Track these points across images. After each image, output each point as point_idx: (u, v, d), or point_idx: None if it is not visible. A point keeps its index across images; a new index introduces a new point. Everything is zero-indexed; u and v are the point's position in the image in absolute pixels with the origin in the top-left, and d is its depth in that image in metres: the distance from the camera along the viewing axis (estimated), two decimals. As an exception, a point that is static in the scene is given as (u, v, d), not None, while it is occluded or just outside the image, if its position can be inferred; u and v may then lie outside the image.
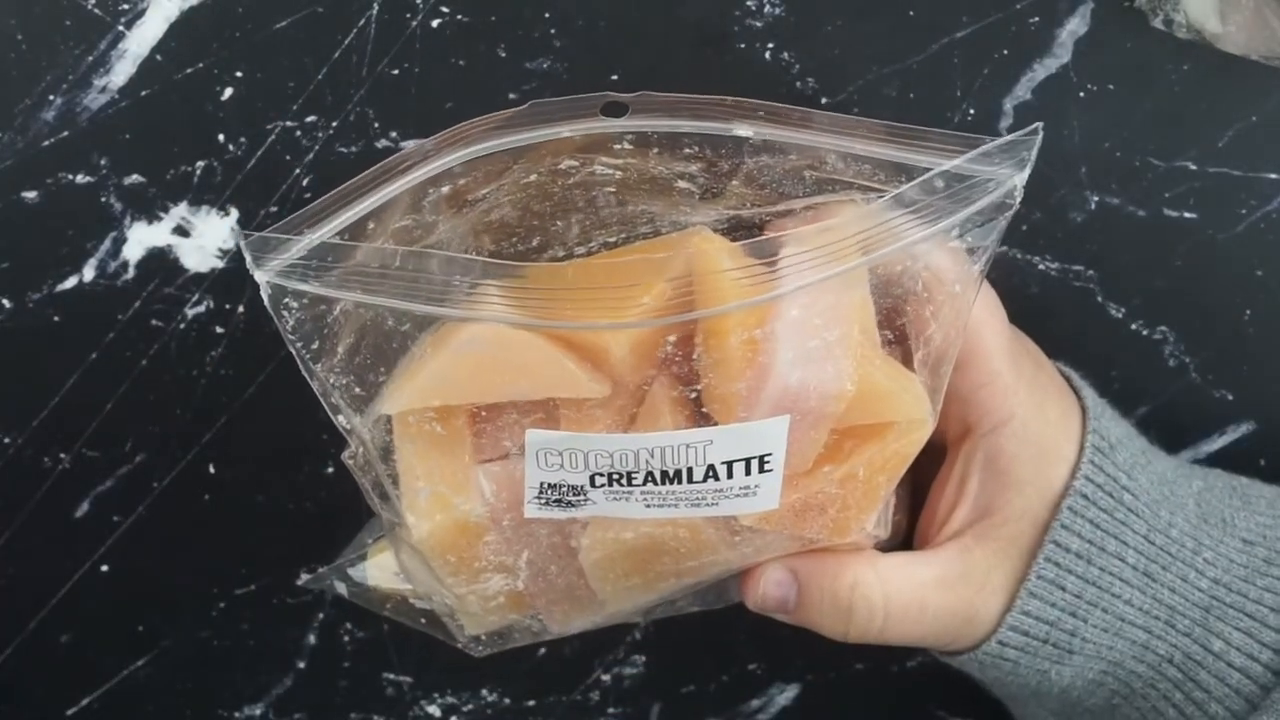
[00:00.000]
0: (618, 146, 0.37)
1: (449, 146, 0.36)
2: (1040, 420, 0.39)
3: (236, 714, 0.52)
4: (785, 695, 0.53)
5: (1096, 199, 0.46)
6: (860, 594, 0.38)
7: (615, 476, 0.35)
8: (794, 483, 0.36)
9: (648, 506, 0.36)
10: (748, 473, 0.35)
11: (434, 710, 0.52)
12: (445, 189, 0.37)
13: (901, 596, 0.38)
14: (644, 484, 0.35)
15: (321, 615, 0.51)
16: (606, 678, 0.52)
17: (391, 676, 0.52)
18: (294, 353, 0.36)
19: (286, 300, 0.35)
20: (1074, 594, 0.39)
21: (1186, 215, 0.46)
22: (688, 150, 0.37)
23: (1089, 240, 0.47)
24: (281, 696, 0.52)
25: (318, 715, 0.52)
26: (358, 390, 0.36)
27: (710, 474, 0.35)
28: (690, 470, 0.35)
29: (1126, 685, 0.41)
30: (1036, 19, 0.45)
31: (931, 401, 0.37)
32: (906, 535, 0.43)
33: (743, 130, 0.37)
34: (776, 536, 0.38)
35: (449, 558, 0.38)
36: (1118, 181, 0.46)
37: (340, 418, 0.37)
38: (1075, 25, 0.45)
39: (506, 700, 0.52)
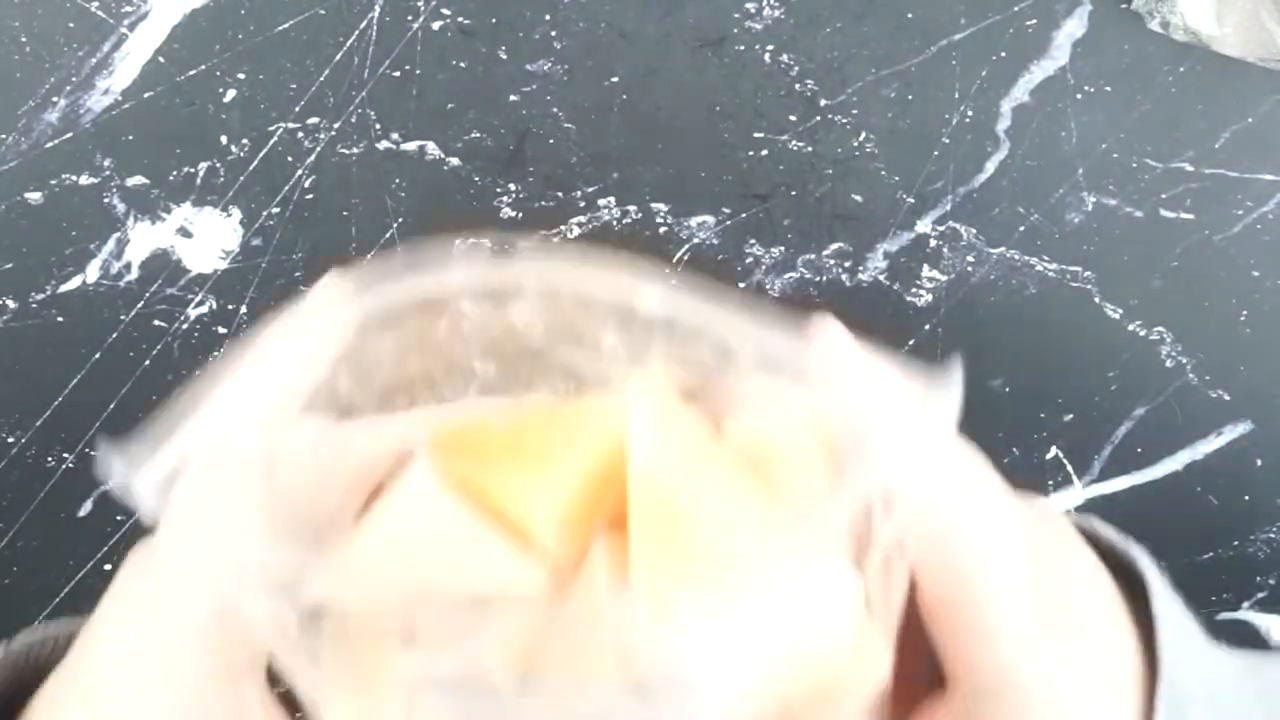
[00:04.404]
0: (524, 300, 0.32)
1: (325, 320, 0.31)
2: (1056, 686, 0.29)
3: (238, 713, 0.52)
4: (784, 694, 0.53)
5: (1094, 200, 0.46)
6: None
7: None
8: None
9: None
10: None
11: (435, 709, 0.52)
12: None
13: None
14: None
15: (323, 614, 0.51)
16: (606, 677, 0.52)
17: (392, 675, 0.52)
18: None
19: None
20: None
21: (1183, 216, 0.46)
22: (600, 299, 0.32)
23: (1086, 241, 0.47)
24: (281, 696, 0.52)
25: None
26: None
27: None
28: None
29: None
30: (1034, 21, 0.45)
31: (884, 636, 0.29)
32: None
33: (647, 302, 0.31)
34: None
35: None
36: (1115, 183, 0.46)
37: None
38: (1073, 27, 0.45)
39: (507, 699, 0.53)
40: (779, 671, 0.28)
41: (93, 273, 0.47)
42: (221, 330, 0.47)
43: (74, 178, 0.46)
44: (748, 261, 0.48)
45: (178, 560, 0.30)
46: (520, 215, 0.47)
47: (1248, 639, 0.52)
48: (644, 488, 0.29)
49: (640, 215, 0.47)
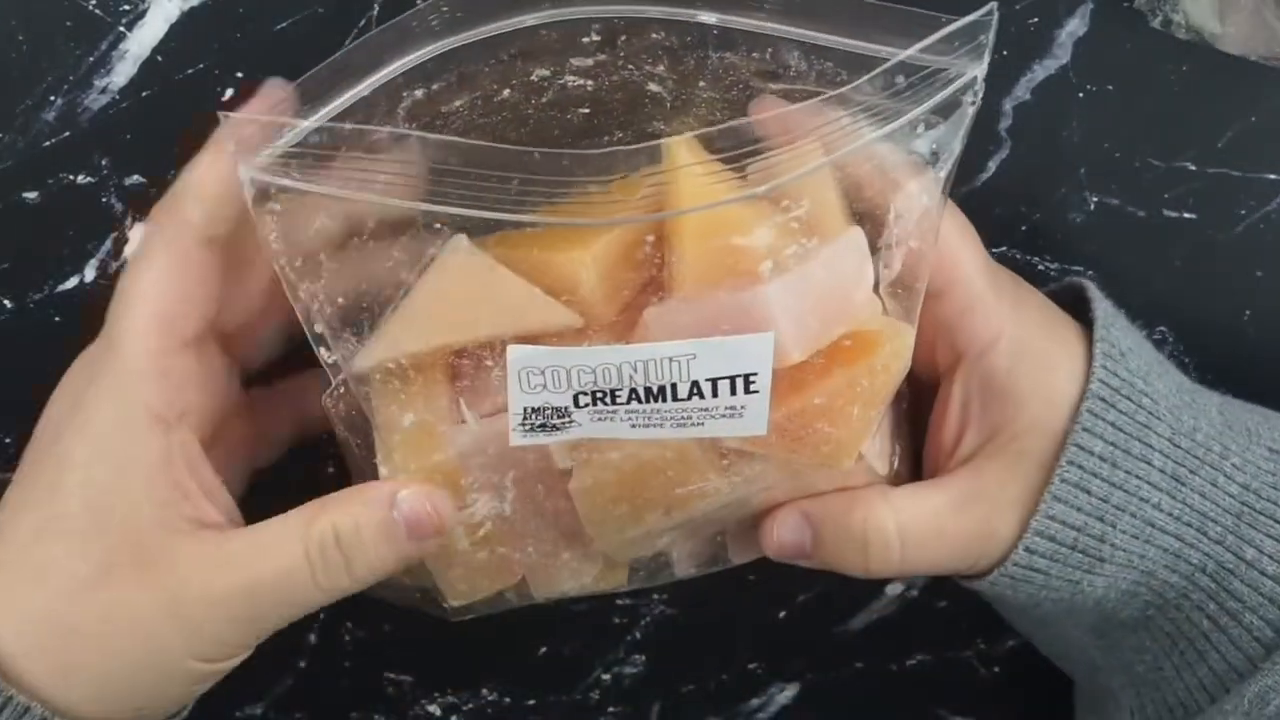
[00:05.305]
0: (587, 40, 0.35)
1: (415, 40, 0.34)
2: (1031, 335, 0.39)
3: (237, 714, 0.52)
4: (785, 694, 0.53)
5: (1096, 199, 0.46)
6: (874, 526, 0.38)
7: (599, 395, 0.34)
8: (776, 401, 0.35)
9: (633, 426, 0.35)
10: (733, 392, 0.34)
11: (434, 710, 0.52)
12: (419, 93, 0.35)
13: (916, 524, 0.38)
14: (628, 402, 0.34)
15: (321, 615, 0.51)
16: (607, 677, 0.52)
17: (392, 676, 0.52)
18: (277, 270, 0.34)
19: (270, 204, 0.32)
20: (1100, 497, 0.38)
21: (1186, 216, 0.46)
22: (654, 36, 0.35)
23: (1089, 241, 0.47)
24: (281, 696, 0.52)
25: (318, 715, 0.53)
26: (342, 324, 0.35)
27: (694, 391, 0.34)
28: (674, 386, 0.34)
29: (1160, 596, 0.40)
30: (1036, 19, 0.45)
31: (908, 320, 0.37)
32: (914, 475, 0.42)
33: (705, 17, 0.35)
34: (765, 464, 0.37)
35: None
36: (1117, 182, 0.46)
37: (323, 350, 0.35)
38: (1075, 26, 0.45)
39: (507, 700, 0.53)
40: (823, 323, 0.35)
41: (90, 273, 0.46)
42: (220, 330, 0.47)
43: (71, 177, 0.45)
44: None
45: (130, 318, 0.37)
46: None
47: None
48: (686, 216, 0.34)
49: (640, 214, 0.47)
